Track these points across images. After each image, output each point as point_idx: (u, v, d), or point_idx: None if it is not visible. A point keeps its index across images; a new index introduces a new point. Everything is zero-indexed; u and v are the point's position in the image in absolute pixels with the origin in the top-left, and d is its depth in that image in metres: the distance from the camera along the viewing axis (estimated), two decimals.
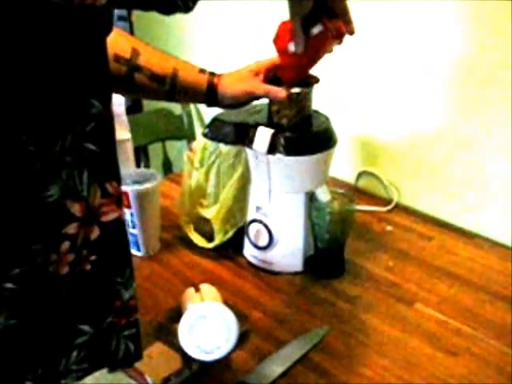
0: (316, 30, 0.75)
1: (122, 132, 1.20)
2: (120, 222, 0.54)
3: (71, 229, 0.50)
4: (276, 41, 0.81)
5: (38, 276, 0.49)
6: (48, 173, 0.47)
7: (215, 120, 0.97)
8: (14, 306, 0.49)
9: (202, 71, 0.87)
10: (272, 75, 0.88)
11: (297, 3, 0.73)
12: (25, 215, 0.47)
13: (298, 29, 0.75)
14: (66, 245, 0.50)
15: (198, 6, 0.56)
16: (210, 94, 0.87)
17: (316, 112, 0.95)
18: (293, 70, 0.85)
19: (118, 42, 0.80)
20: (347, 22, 0.75)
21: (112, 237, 0.54)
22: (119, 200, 0.53)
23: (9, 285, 0.48)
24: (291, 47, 0.78)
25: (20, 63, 0.43)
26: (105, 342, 0.57)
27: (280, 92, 0.85)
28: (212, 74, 0.88)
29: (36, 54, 0.44)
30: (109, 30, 0.52)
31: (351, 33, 0.76)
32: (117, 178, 0.53)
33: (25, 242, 0.48)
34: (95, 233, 0.52)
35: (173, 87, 0.85)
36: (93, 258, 0.52)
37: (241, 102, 0.88)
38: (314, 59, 0.82)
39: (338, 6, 0.74)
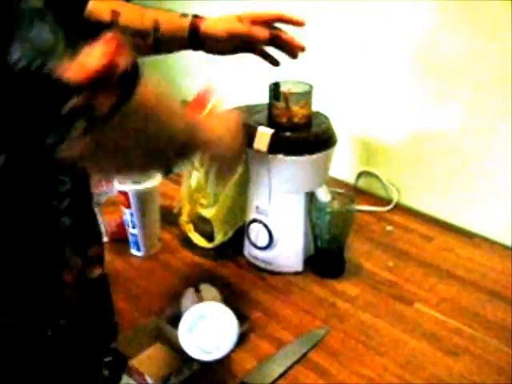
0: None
1: None
2: (104, 276, 0.58)
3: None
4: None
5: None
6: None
7: None
8: None
9: (184, 15, 0.87)
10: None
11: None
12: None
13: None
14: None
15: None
16: (192, 37, 0.86)
17: (316, 112, 0.95)
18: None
19: (97, 8, 0.78)
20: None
21: (98, 290, 0.58)
22: (101, 259, 0.57)
23: None
24: None
25: None
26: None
27: (263, 32, 0.85)
28: (195, 17, 0.87)
29: None
30: None
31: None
32: (98, 242, 0.57)
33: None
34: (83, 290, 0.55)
35: (157, 40, 0.85)
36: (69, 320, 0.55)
37: (225, 44, 0.86)
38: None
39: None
